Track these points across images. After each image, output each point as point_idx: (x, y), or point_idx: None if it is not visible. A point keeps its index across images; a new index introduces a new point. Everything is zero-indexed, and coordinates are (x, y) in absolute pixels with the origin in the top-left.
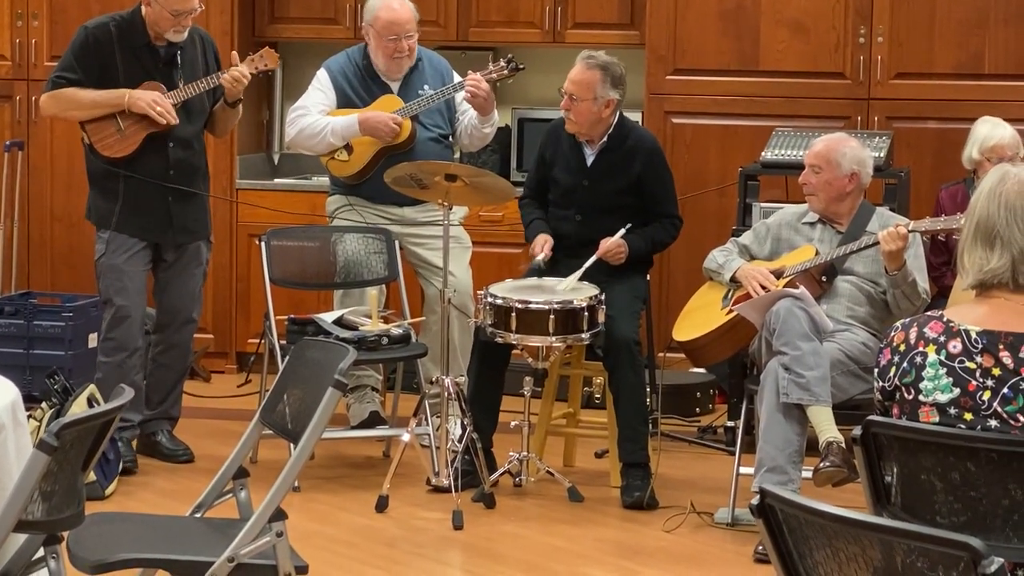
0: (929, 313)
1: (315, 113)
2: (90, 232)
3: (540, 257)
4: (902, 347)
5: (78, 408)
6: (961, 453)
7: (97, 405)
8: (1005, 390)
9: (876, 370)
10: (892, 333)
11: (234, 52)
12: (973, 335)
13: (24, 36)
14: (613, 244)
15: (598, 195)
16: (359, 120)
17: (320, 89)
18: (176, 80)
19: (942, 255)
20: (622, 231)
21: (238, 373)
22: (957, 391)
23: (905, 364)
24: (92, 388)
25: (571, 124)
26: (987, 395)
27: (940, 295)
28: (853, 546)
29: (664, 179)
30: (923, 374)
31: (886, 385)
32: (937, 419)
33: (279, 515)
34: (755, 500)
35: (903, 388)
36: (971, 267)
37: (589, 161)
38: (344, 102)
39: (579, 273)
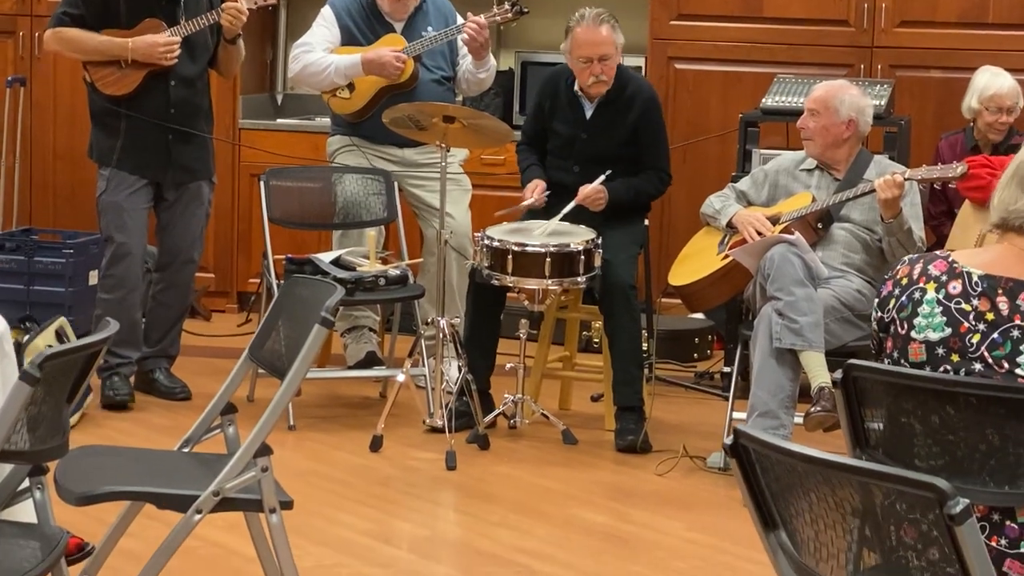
0: (937, 252)
1: (319, 50)
2: (92, 170)
3: (529, 201)
4: (904, 281)
5: (43, 341)
6: (942, 397)
7: (66, 339)
8: (995, 335)
9: (876, 300)
10: (898, 266)
11: None
12: (975, 278)
13: None
14: (592, 190)
15: (597, 147)
16: (363, 60)
17: (325, 26)
18: (178, 17)
19: (941, 204)
20: (601, 177)
21: (238, 312)
22: (948, 331)
23: (904, 298)
24: (62, 321)
25: (602, 85)
26: (976, 338)
27: (938, 244)
28: (823, 487)
29: (658, 131)
30: (919, 310)
31: (884, 316)
32: (924, 357)
33: (264, 450)
34: (728, 439)
35: (898, 321)
36: (999, 204)
37: (588, 114)
38: (348, 40)
39: (557, 218)
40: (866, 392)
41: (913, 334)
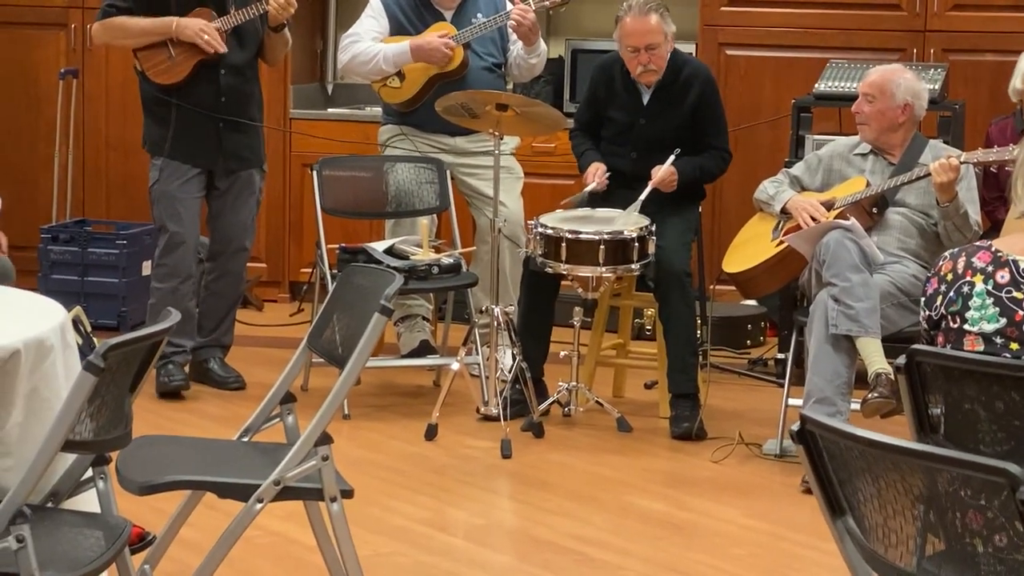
0: (977, 243)
1: (368, 40)
2: (145, 160)
3: (593, 185)
4: (949, 276)
5: None
6: (1006, 382)
7: (82, 327)
8: None
9: (923, 299)
10: (940, 263)
11: None
12: (1022, 265)
13: None
14: (666, 172)
15: (655, 132)
16: (411, 47)
17: (373, 16)
18: (228, 7)
19: (995, 189)
20: (671, 158)
21: (291, 302)
22: (1004, 321)
23: (952, 293)
24: (77, 310)
25: (651, 74)
26: None
27: (993, 228)
28: (892, 472)
29: (716, 111)
30: (970, 303)
31: (932, 314)
32: (982, 348)
33: (325, 439)
34: (795, 426)
35: (949, 317)
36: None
37: (645, 99)
38: (397, 29)
39: (637, 205)
40: (929, 378)
41: (967, 327)
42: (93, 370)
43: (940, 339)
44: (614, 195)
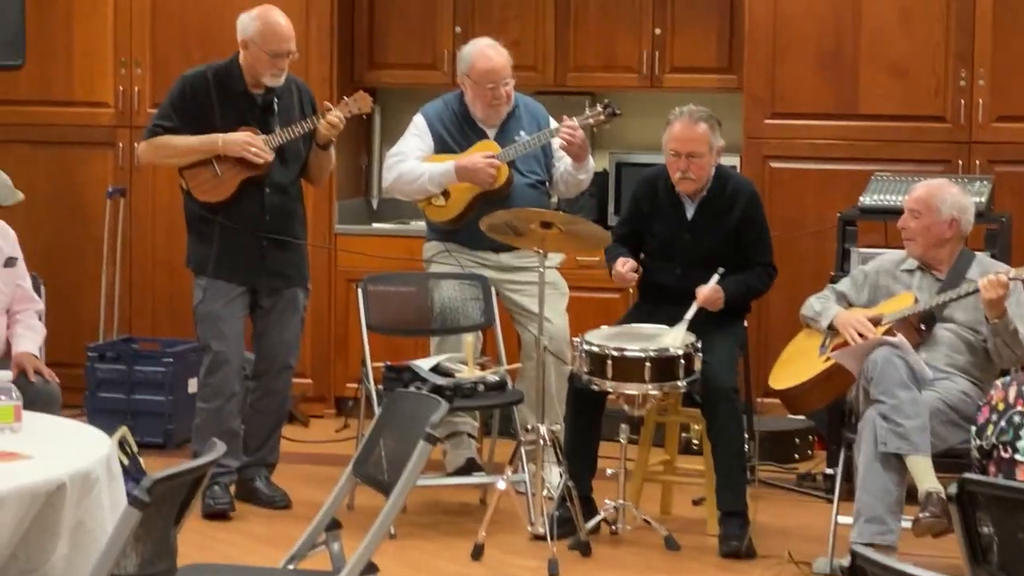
0: None
1: (412, 159)
2: (189, 278)
3: (626, 268)
4: (1000, 406)
5: None
6: None
7: (128, 448)
8: None
9: (974, 428)
10: (992, 392)
11: (327, 103)
12: None
13: (127, 84)
14: (711, 291)
15: (699, 247)
16: (456, 167)
17: (417, 135)
18: (272, 126)
19: None
20: (715, 277)
21: (336, 417)
22: None
23: (1003, 423)
24: (124, 430)
25: (690, 183)
26: None
27: None
28: None
29: (761, 227)
30: (1021, 433)
31: (983, 444)
32: None
33: (371, 568)
34: (846, 561)
35: (1000, 447)
36: None
37: (689, 213)
38: (441, 148)
39: (684, 325)
40: (981, 507)
41: (1018, 457)
42: (138, 505)
43: (992, 468)
44: (660, 310)
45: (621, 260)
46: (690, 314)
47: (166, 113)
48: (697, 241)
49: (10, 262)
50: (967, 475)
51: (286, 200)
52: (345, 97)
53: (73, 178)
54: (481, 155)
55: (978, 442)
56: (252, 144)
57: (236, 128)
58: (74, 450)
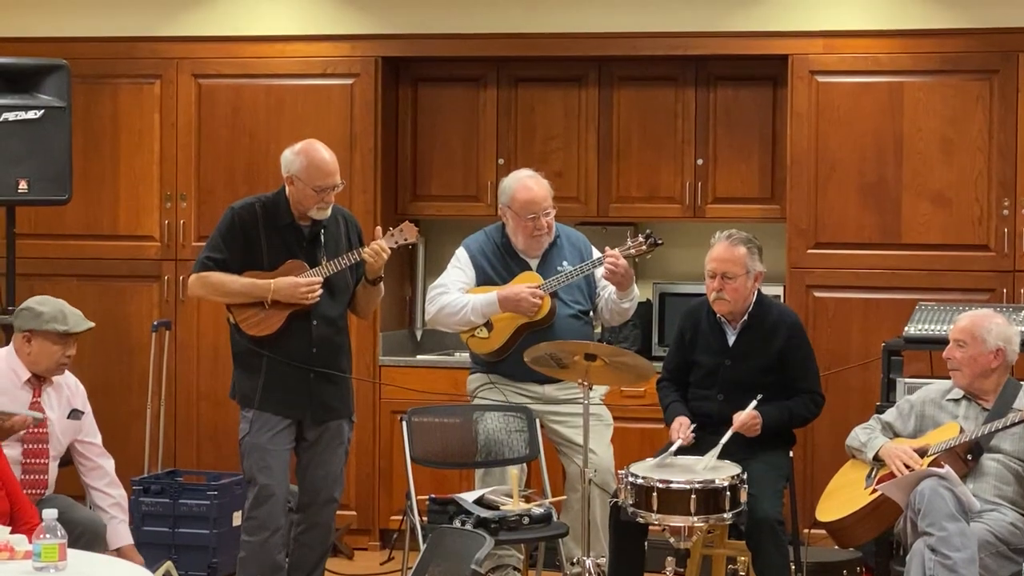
0: None
1: (455, 291)
2: (234, 410)
3: (679, 443)
4: None
5: None
6: None
7: None
8: None
9: None
10: None
11: (377, 228)
12: None
13: (172, 217)
14: (747, 417)
15: (741, 374)
16: (499, 297)
17: (459, 267)
18: (319, 258)
19: None
20: (753, 403)
21: (381, 550)
22: None
23: None
24: (168, 565)
25: (724, 304)
26: None
27: None
28: None
29: (805, 355)
30: None
31: None
32: None
33: None
34: None
35: None
36: None
37: (731, 341)
38: (483, 280)
39: (716, 451)
40: None
41: None
42: None
43: None
44: (701, 440)
45: (678, 421)
46: (724, 439)
47: (216, 245)
48: (738, 368)
49: (74, 414)
50: None
51: (333, 332)
52: (391, 228)
53: (118, 312)
54: (525, 285)
55: None
56: (301, 286)
57: (283, 260)
58: None
